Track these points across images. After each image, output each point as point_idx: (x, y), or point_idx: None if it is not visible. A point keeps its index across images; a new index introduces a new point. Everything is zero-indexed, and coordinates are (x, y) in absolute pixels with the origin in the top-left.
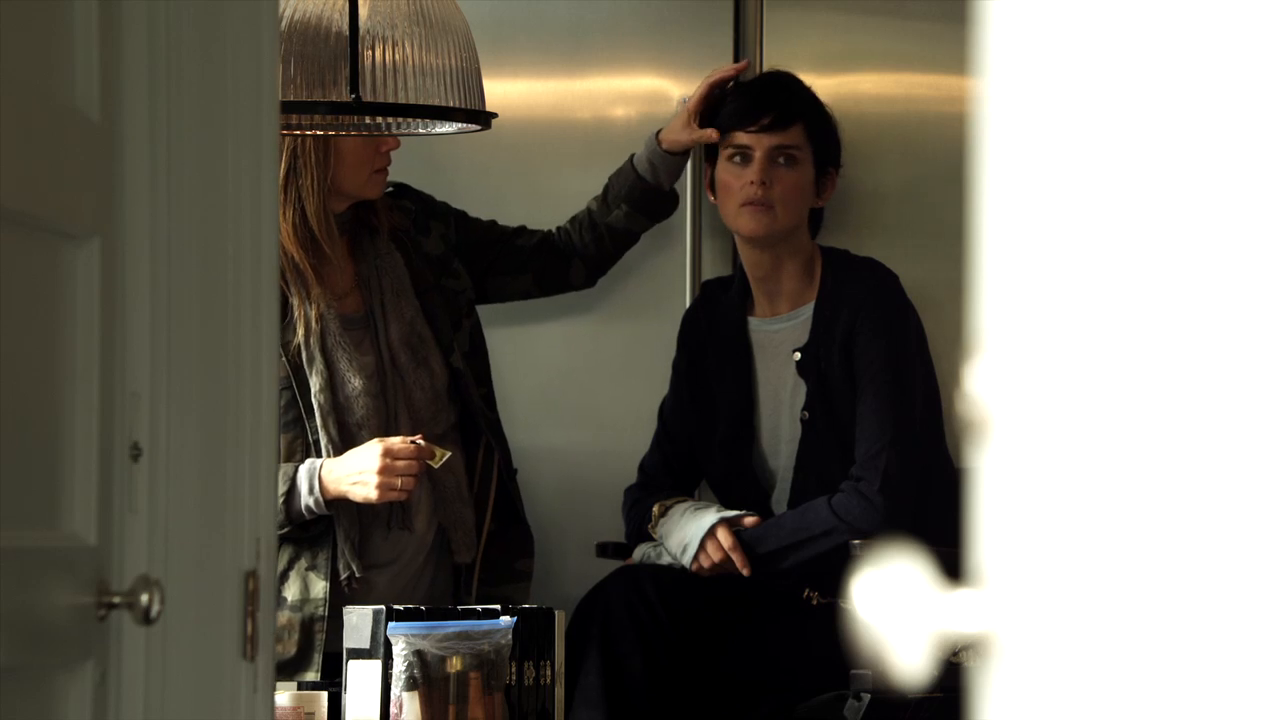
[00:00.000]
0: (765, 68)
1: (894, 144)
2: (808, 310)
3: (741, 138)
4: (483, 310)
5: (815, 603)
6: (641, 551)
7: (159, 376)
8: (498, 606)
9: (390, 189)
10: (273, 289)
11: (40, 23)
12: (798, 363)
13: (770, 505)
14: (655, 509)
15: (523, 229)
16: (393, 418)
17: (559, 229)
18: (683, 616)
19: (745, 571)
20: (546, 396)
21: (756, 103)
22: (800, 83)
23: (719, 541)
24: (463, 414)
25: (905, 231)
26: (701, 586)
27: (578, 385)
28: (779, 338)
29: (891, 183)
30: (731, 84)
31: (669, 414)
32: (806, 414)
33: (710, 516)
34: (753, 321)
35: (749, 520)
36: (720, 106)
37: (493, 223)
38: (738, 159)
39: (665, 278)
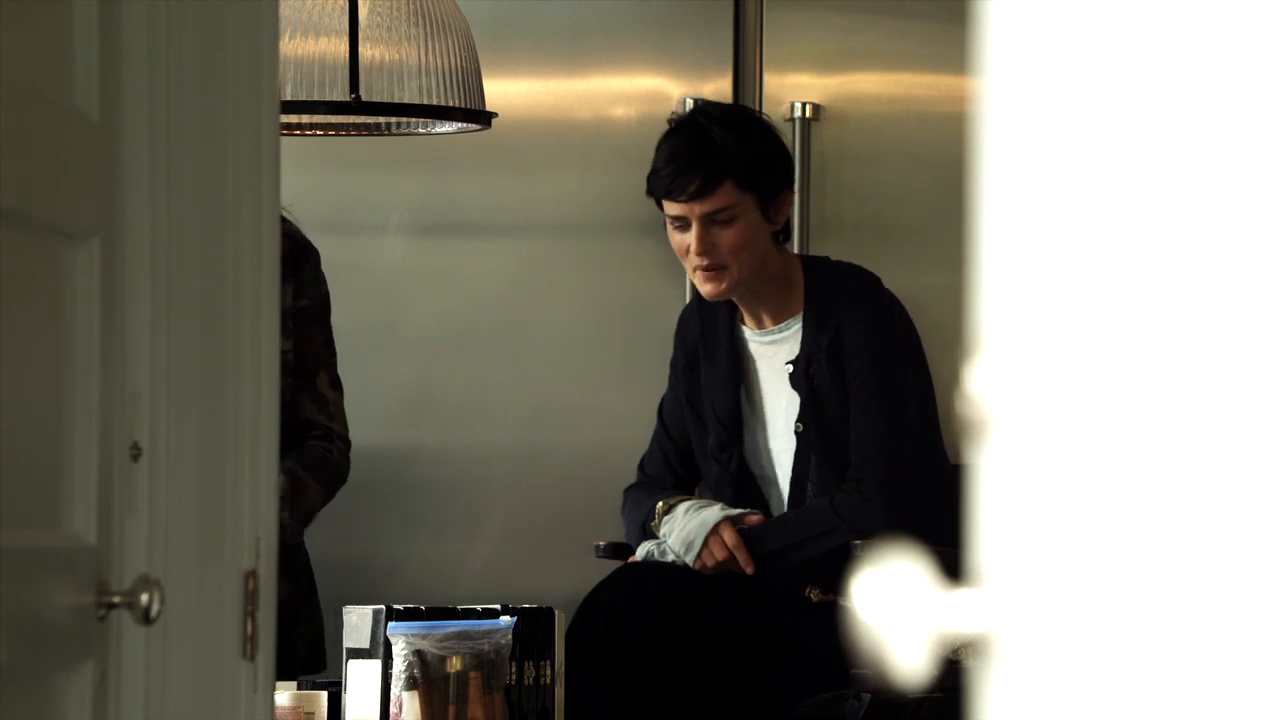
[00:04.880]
0: (765, 68)
1: (894, 144)
2: (798, 321)
3: (674, 208)
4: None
5: (815, 600)
6: (645, 549)
7: (159, 376)
8: (498, 606)
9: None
10: (273, 289)
11: (40, 23)
12: (790, 375)
13: (768, 514)
14: (659, 506)
15: (329, 426)
16: None
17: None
18: (687, 614)
19: (749, 569)
20: (546, 396)
21: (679, 173)
22: (722, 123)
23: (722, 539)
24: None
25: (905, 231)
26: (706, 584)
27: (577, 385)
28: (773, 350)
29: (891, 183)
30: (664, 132)
31: (667, 412)
32: (800, 426)
33: (714, 514)
34: (747, 333)
35: (752, 518)
36: (653, 165)
37: (322, 352)
38: (678, 224)
39: (665, 278)
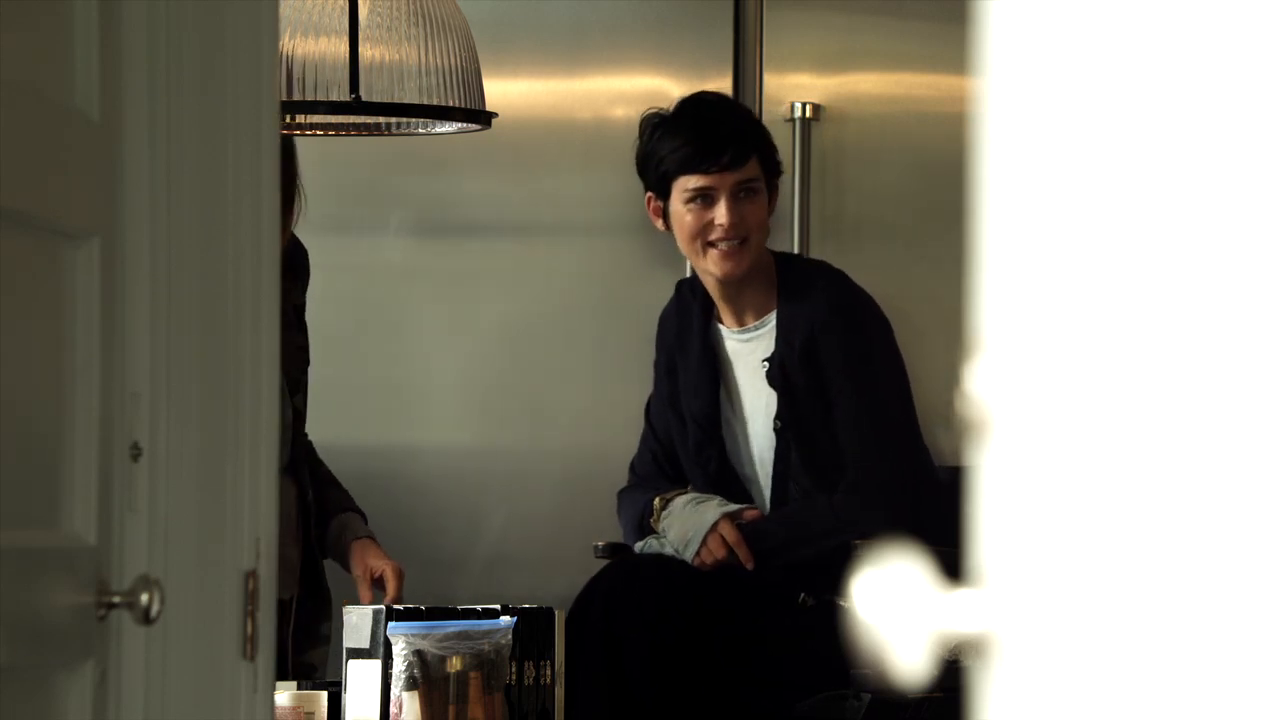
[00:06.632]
0: (765, 68)
1: (894, 144)
2: (773, 319)
3: (700, 180)
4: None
5: (809, 605)
6: (644, 544)
7: (159, 376)
8: (498, 606)
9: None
10: (273, 289)
11: (40, 23)
12: (767, 373)
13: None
14: (656, 502)
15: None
16: None
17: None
18: (687, 606)
19: (749, 565)
20: (546, 396)
21: (710, 144)
22: (737, 104)
23: (722, 536)
24: (294, 457)
25: (905, 231)
26: (704, 577)
27: (577, 385)
28: (749, 348)
29: (891, 183)
30: (658, 120)
31: (654, 414)
32: (779, 423)
33: (712, 511)
34: (724, 331)
35: (750, 513)
36: (654, 149)
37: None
38: (698, 201)
39: (664, 278)
